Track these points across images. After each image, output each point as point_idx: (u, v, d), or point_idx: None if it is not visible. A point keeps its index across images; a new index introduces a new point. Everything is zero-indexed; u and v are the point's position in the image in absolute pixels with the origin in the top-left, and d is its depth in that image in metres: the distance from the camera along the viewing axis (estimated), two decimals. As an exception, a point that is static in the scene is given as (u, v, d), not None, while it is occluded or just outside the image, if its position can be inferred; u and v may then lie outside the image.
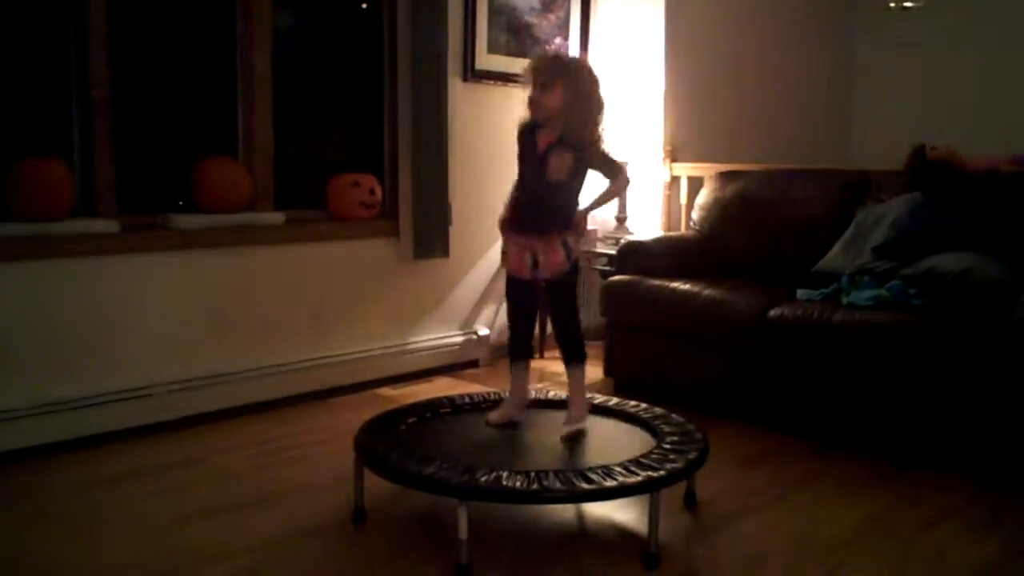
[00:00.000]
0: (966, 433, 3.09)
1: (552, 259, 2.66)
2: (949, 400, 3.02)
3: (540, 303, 2.89)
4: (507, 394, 2.86)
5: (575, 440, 2.65)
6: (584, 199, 2.72)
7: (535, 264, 2.67)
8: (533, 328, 2.91)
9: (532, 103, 2.62)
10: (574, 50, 4.76)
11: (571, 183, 2.66)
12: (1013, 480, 2.97)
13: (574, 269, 2.73)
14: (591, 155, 2.65)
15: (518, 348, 2.83)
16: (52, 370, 3.14)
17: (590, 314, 4.36)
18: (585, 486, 2.27)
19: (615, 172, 2.71)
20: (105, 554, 2.39)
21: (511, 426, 2.75)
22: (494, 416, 2.78)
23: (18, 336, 3.08)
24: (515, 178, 2.75)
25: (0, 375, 3.04)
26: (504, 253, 2.82)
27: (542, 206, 2.67)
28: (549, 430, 2.73)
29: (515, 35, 4.50)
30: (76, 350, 3.20)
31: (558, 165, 2.61)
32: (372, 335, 4.07)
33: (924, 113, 5.29)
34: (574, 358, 2.77)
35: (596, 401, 2.96)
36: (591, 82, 2.63)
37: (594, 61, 4.83)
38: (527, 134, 2.69)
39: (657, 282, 3.80)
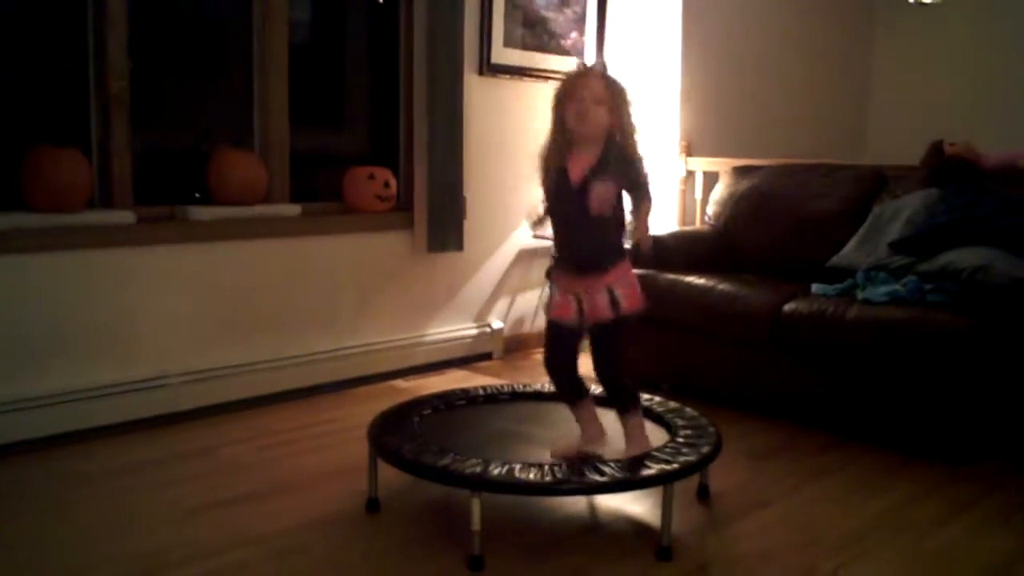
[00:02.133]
0: (980, 428, 3.08)
1: (596, 303, 2.39)
2: (963, 395, 3.00)
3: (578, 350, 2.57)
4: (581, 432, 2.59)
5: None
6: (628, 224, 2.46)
7: (580, 310, 2.41)
8: (575, 373, 2.55)
9: (581, 116, 2.34)
10: (590, 44, 4.75)
11: (612, 213, 2.39)
12: (1029, 477, 2.96)
13: (621, 321, 2.42)
14: (630, 174, 2.38)
15: (566, 393, 2.59)
16: (67, 360, 3.17)
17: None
18: (598, 478, 2.27)
19: (645, 197, 2.42)
20: (120, 543, 2.41)
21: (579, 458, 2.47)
22: (558, 449, 2.54)
23: (34, 326, 3.10)
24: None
25: (15, 365, 3.06)
26: (549, 299, 2.52)
27: (586, 243, 2.41)
28: (562, 423, 2.73)
29: (531, 29, 4.50)
30: (91, 341, 3.22)
31: (602, 195, 2.33)
32: (386, 327, 4.08)
33: (942, 109, 5.26)
34: (620, 407, 2.53)
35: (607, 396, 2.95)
36: (630, 104, 2.40)
37: (610, 55, 4.83)
38: (558, 172, 2.42)
39: (672, 276, 3.80)
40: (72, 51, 3.32)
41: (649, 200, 2.43)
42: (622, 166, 2.38)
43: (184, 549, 2.37)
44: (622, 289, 2.41)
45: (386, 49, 4.21)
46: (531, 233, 2.65)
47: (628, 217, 2.47)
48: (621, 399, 2.54)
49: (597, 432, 2.57)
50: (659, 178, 4.89)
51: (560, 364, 2.55)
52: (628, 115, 2.40)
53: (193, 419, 3.39)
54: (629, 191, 2.41)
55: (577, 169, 2.39)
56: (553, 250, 2.53)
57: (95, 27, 3.30)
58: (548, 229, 2.54)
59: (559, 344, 2.53)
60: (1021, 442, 3.19)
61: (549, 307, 2.52)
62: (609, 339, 2.46)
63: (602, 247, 2.43)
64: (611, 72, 2.44)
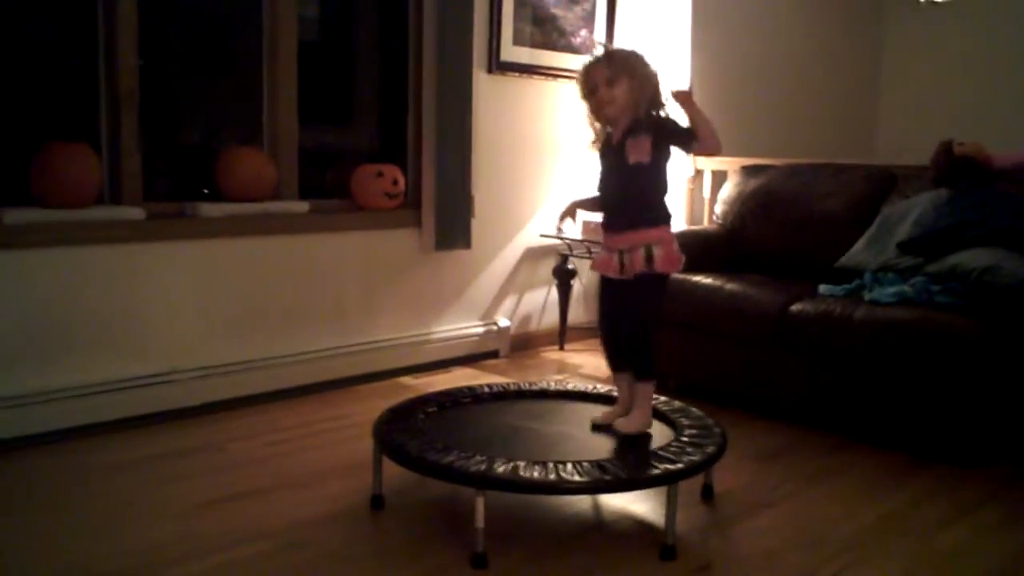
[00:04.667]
0: (988, 430, 3.07)
1: (635, 258, 2.55)
2: (971, 397, 2.99)
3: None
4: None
5: (618, 433, 2.60)
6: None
7: (621, 264, 2.58)
8: (619, 337, 2.72)
9: (604, 102, 2.55)
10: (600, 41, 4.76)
11: (653, 165, 2.55)
12: (1035, 479, 2.95)
13: (655, 279, 2.58)
14: (668, 127, 2.56)
15: (611, 360, 2.76)
16: (75, 355, 3.18)
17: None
18: (603, 477, 2.27)
19: (692, 135, 2.55)
20: (126, 538, 2.43)
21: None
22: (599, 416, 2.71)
23: (43, 322, 3.12)
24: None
25: (24, 360, 3.08)
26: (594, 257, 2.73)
27: (628, 199, 2.59)
28: (568, 421, 2.74)
29: (540, 27, 4.50)
30: (100, 336, 3.24)
31: (637, 147, 2.53)
32: (393, 324, 4.09)
33: (951, 108, 5.24)
34: (638, 374, 2.63)
35: (615, 393, 2.96)
36: (640, 62, 2.58)
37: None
38: (605, 143, 2.65)
39: (680, 275, 3.79)
40: (82, 48, 3.34)
41: (709, 127, 2.54)
42: (655, 123, 2.55)
43: (190, 544, 2.39)
44: (660, 249, 2.55)
45: (395, 46, 4.22)
46: (557, 227, 2.77)
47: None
48: (639, 361, 2.64)
49: (623, 408, 2.71)
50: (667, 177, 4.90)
51: (606, 317, 2.73)
52: (642, 76, 2.56)
53: (201, 415, 3.41)
54: (679, 140, 2.57)
55: (618, 134, 2.60)
56: (571, 249, 2.68)
57: (105, 24, 3.31)
58: (569, 224, 2.81)
59: (605, 296, 2.71)
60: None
61: (593, 263, 2.72)
62: (640, 292, 2.59)
63: (645, 204, 2.58)
64: (605, 49, 2.62)
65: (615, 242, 2.60)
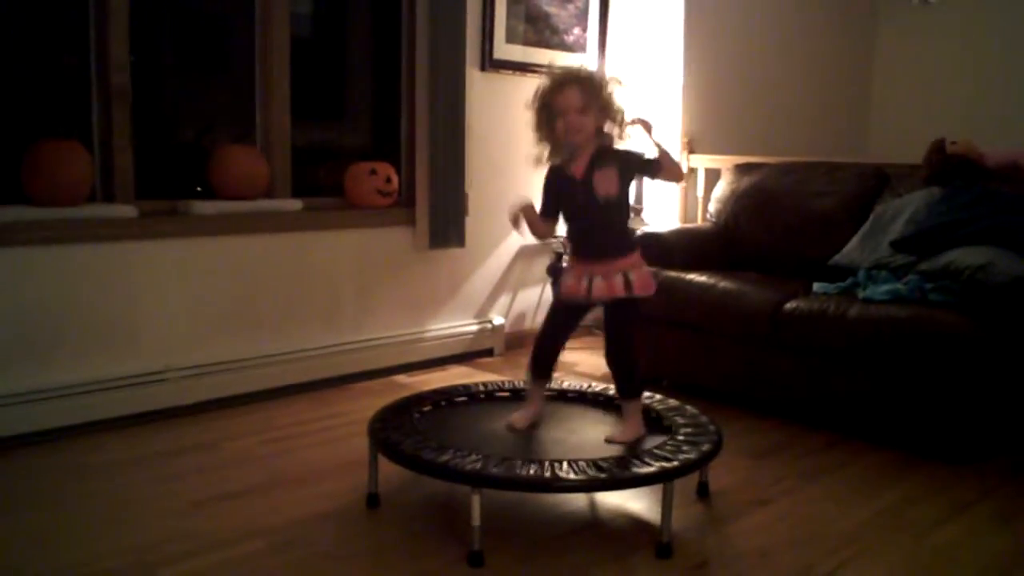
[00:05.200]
0: (981, 428, 3.08)
1: (612, 283, 2.52)
2: (964, 395, 3.00)
3: (573, 330, 2.73)
4: (527, 406, 2.73)
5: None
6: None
7: (590, 286, 2.54)
8: (558, 353, 2.72)
9: (575, 129, 2.48)
10: (593, 40, 4.75)
11: (621, 196, 2.54)
12: (1028, 476, 2.97)
13: (633, 303, 2.58)
14: (634, 160, 2.54)
15: (541, 366, 2.70)
16: (68, 354, 3.17)
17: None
18: (598, 476, 2.27)
19: (666, 155, 2.54)
20: (122, 536, 2.42)
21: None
22: (518, 420, 2.67)
23: (35, 320, 3.10)
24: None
25: (17, 359, 3.07)
26: (560, 282, 2.65)
27: (598, 229, 2.56)
28: (563, 421, 2.74)
29: (533, 25, 4.49)
30: (93, 334, 3.23)
31: (605, 180, 2.49)
32: (387, 323, 4.08)
33: (944, 107, 5.26)
34: (626, 393, 2.63)
35: (610, 392, 2.96)
36: (610, 90, 2.52)
37: (611, 53, 4.83)
38: (559, 173, 2.57)
39: (673, 274, 3.80)
40: (74, 45, 3.32)
41: (671, 158, 2.55)
42: (620, 155, 2.53)
43: (186, 542, 2.38)
44: (636, 273, 2.56)
45: (388, 44, 4.21)
46: (517, 232, 2.70)
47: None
48: (629, 383, 2.63)
49: (539, 411, 2.71)
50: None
51: (550, 338, 2.70)
52: (611, 103, 2.52)
53: (195, 413, 3.40)
54: (643, 170, 2.58)
55: (579, 167, 2.53)
56: (565, 247, 2.62)
57: (96, 21, 3.30)
58: (526, 230, 2.64)
59: (559, 319, 2.69)
60: (1022, 441, 3.19)
61: (560, 288, 2.64)
62: (623, 316, 2.61)
63: (616, 232, 2.58)
64: (582, 72, 2.53)
65: (589, 270, 2.55)
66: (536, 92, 2.56)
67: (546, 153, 2.60)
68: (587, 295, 2.55)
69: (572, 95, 2.48)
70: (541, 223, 2.63)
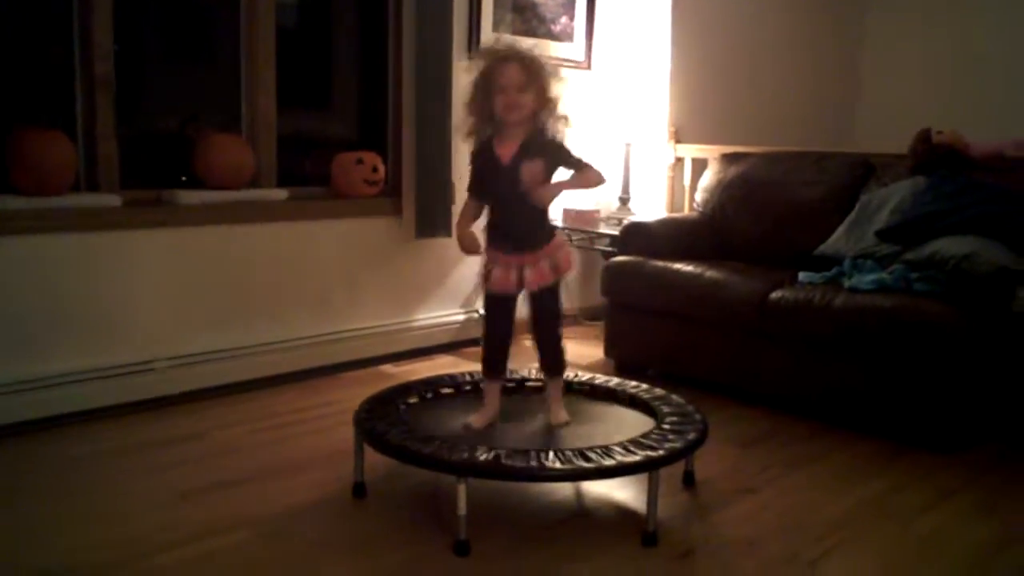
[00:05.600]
0: (966, 416, 3.10)
1: (541, 271, 2.55)
2: (948, 384, 3.02)
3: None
4: (485, 407, 2.68)
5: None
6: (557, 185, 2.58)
7: (520, 279, 2.55)
8: (509, 348, 2.71)
9: (511, 106, 2.45)
10: (579, 30, 4.74)
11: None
12: (1011, 463, 2.98)
13: (557, 285, 2.63)
14: (563, 155, 2.54)
15: (496, 365, 2.69)
16: (52, 345, 3.15)
17: (593, 294, 4.36)
18: (584, 465, 2.27)
19: (589, 169, 2.57)
20: (110, 527, 2.41)
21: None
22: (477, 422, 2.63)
23: (18, 310, 3.08)
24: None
25: (1, 349, 3.05)
26: (486, 272, 2.60)
27: (522, 221, 2.55)
28: (548, 411, 2.74)
29: (520, 14, 4.48)
30: (77, 324, 3.21)
31: (533, 173, 2.48)
32: (374, 313, 4.07)
33: (930, 97, 5.27)
34: (555, 371, 2.70)
35: (596, 382, 2.97)
36: (552, 75, 2.51)
37: (598, 42, 4.82)
38: (486, 151, 2.55)
39: (659, 263, 3.80)
40: (57, 33, 3.29)
41: (595, 172, 2.57)
42: (551, 147, 2.52)
43: (174, 532, 2.37)
44: (559, 256, 2.59)
45: (375, 33, 4.19)
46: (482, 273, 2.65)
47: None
48: (557, 361, 2.69)
49: (497, 411, 2.67)
50: (647, 165, 4.91)
51: (497, 337, 2.67)
52: (550, 91, 2.50)
53: (181, 404, 3.39)
54: (569, 166, 2.56)
55: (507, 150, 2.51)
56: (486, 228, 2.62)
57: (80, 9, 3.27)
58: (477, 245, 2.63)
59: (502, 315, 2.64)
60: (1007, 430, 3.21)
61: (489, 281, 2.60)
62: (551, 298, 2.63)
63: (539, 224, 2.57)
64: (525, 51, 2.51)
65: (516, 260, 2.55)
66: (480, 69, 2.53)
67: (471, 127, 2.58)
68: (518, 287, 2.57)
69: (514, 72, 2.46)
70: (468, 222, 2.63)
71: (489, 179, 2.57)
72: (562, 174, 2.58)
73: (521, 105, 2.46)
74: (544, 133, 2.53)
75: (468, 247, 2.63)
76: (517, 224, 2.56)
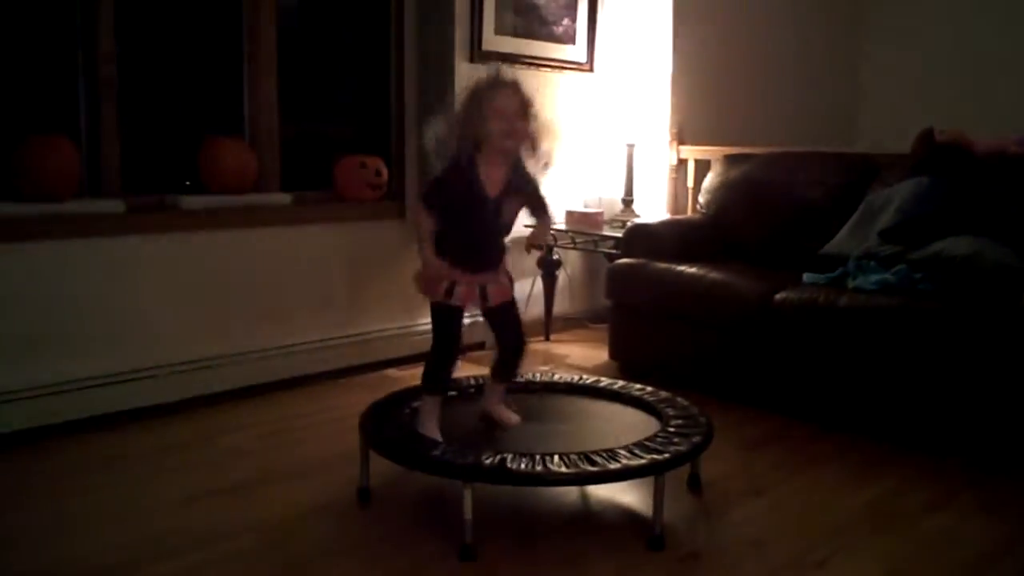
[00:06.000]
0: (971, 417, 3.09)
1: (501, 289, 2.62)
2: (954, 384, 3.01)
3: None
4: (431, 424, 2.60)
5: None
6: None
7: (484, 295, 2.59)
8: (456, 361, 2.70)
9: (511, 135, 2.42)
10: (581, 32, 4.74)
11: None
12: (1016, 465, 2.97)
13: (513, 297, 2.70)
14: (536, 198, 2.57)
15: (447, 381, 2.67)
16: (58, 350, 3.15)
17: (598, 297, 4.35)
18: (590, 468, 2.27)
19: (547, 213, 2.64)
20: (117, 531, 2.41)
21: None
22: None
23: (24, 316, 3.08)
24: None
25: (5, 355, 3.05)
26: (448, 288, 2.55)
27: (493, 246, 2.59)
28: (554, 412, 2.74)
29: (523, 16, 4.48)
30: (81, 330, 3.21)
31: (513, 210, 2.55)
32: (378, 316, 4.07)
33: (934, 96, 5.26)
34: (512, 377, 2.76)
35: (602, 384, 2.97)
36: (537, 110, 2.50)
37: (600, 44, 4.82)
38: (468, 175, 2.45)
39: (663, 265, 3.80)
40: (60, 38, 3.30)
41: (550, 216, 2.69)
42: (530, 186, 2.55)
43: (180, 537, 2.38)
44: (508, 271, 2.67)
45: (377, 36, 4.19)
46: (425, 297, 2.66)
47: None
48: (518, 368, 2.74)
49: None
50: (650, 167, 4.91)
51: (455, 351, 2.67)
52: (536, 128, 2.50)
53: (185, 409, 3.39)
54: (532, 209, 2.62)
55: (494, 180, 2.49)
56: (448, 250, 2.53)
57: (83, 13, 3.28)
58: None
59: (454, 331, 2.63)
60: (1011, 432, 3.20)
61: (452, 296, 2.57)
62: (514, 311, 2.69)
63: (501, 247, 2.63)
64: (517, 81, 2.50)
65: (480, 279, 2.58)
66: (472, 87, 2.48)
67: (448, 148, 2.50)
68: (485, 303, 2.61)
69: (515, 100, 2.43)
70: (434, 246, 2.53)
71: (467, 204, 2.48)
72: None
73: (523, 135, 2.45)
74: (522, 167, 2.52)
75: (439, 279, 2.55)
76: (487, 248, 2.59)
